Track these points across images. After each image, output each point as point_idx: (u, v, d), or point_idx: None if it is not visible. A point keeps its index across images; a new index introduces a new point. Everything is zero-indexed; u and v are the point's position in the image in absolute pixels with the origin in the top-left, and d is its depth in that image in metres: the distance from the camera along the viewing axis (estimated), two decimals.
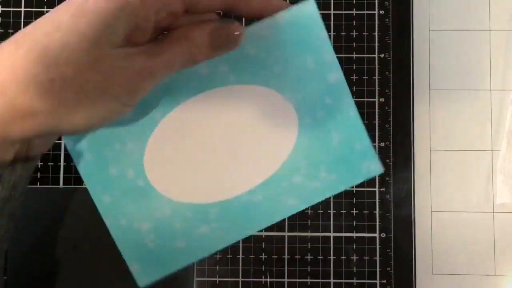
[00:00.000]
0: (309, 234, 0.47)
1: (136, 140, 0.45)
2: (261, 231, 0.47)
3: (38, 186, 0.48)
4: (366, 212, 0.47)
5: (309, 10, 0.44)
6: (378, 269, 0.47)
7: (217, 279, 0.47)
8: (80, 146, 0.45)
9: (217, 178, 0.46)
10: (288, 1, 0.44)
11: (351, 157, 0.45)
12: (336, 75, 0.45)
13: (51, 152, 0.48)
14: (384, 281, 0.47)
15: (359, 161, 0.45)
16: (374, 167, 0.45)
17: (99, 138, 0.45)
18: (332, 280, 0.47)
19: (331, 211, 0.48)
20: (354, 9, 0.49)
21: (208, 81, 0.45)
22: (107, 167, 0.45)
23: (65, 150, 0.48)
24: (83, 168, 0.45)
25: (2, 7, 0.49)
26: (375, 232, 0.47)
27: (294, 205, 0.46)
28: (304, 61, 0.45)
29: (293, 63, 0.45)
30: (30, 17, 0.49)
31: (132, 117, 0.45)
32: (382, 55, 0.48)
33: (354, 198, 0.47)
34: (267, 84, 0.45)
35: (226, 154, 0.46)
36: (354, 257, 0.47)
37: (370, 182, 0.49)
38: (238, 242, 0.47)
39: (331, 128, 0.45)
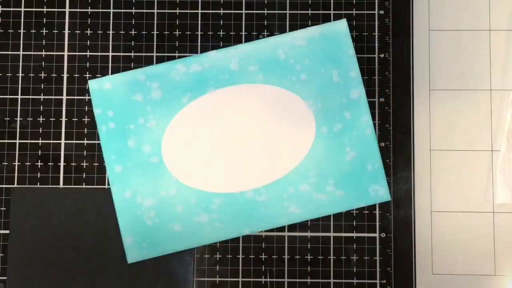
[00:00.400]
0: (309, 234, 0.47)
1: (159, 119, 0.47)
2: (261, 231, 0.47)
3: (38, 186, 0.48)
4: (366, 212, 0.47)
5: (341, 28, 0.48)
6: (378, 269, 0.47)
7: (217, 279, 0.47)
8: (105, 113, 0.47)
9: (227, 170, 0.47)
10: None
11: (361, 177, 0.46)
12: (359, 92, 0.47)
13: (51, 152, 0.48)
14: (384, 281, 0.47)
15: (368, 182, 0.47)
16: (382, 193, 0.47)
17: (125, 110, 0.47)
18: (332, 280, 0.47)
19: None
20: (354, 9, 0.49)
21: (238, 76, 0.47)
22: (127, 138, 0.47)
23: (65, 150, 0.48)
24: (104, 135, 0.47)
25: (2, 7, 0.49)
26: (375, 232, 0.47)
27: (297, 213, 0.47)
28: (330, 73, 0.47)
29: (319, 74, 0.47)
30: (30, 17, 0.49)
31: (161, 96, 0.47)
32: (382, 55, 0.48)
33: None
34: (292, 89, 0.47)
35: (241, 149, 0.47)
36: (354, 257, 0.47)
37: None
38: (238, 242, 0.47)
39: (346, 142, 0.47)
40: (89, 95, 0.48)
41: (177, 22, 0.49)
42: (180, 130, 0.47)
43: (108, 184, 0.47)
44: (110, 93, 0.47)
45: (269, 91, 0.47)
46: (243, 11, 0.49)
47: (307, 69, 0.47)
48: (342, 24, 0.48)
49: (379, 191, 0.46)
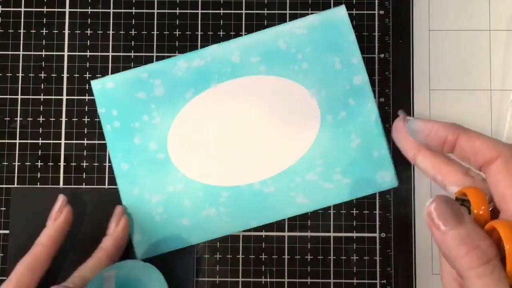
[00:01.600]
0: (309, 234, 0.47)
1: (164, 115, 0.47)
2: (261, 231, 0.47)
3: (38, 186, 0.48)
4: (366, 212, 0.47)
5: (341, 15, 0.48)
6: (378, 269, 0.47)
7: (217, 279, 0.47)
8: (110, 112, 0.47)
9: (234, 163, 0.47)
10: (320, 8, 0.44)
11: (367, 164, 0.46)
12: (362, 78, 0.47)
13: (51, 152, 0.48)
14: (384, 281, 0.47)
15: (375, 169, 0.46)
16: (389, 179, 0.46)
17: (129, 108, 0.47)
18: (332, 280, 0.47)
19: (331, 211, 0.48)
20: (354, 9, 0.49)
21: (240, 68, 0.47)
22: (133, 136, 0.47)
23: (65, 150, 0.48)
24: (110, 134, 0.47)
25: (2, 7, 0.49)
26: (375, 232, 0.47)
27: (305, 204, 0.47)
28: (332, 61, 0.47)
29: (321, 62, 0.47)
30: (30, 17, 0.49)
31: (164, 93, 0.47)
32: (382, 55, 0.48)
33: (354, 198, 0.47)
34: (294, 78, 0.47)
35: (246, 141, 0.47)
36: (354, 257, 0.47)
37: None
38: (238, 242, 0.47)
39: (351, 130, 0.47)
40: (89, 95, 0.48)
41: (177, 22, 0.49)
42: (185, 125, 0.47)
43: (109, 184, 0.47)
44: (113, 92, 0.47)
45: (272, 82, 0.47)
46: (243, 11, 0.49)
47: (309, 57, 0.47)
48: (342, 10, 0.48)
49: (385, 177, 0.46)
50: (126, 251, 0.46)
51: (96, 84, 0.48)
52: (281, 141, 0.47)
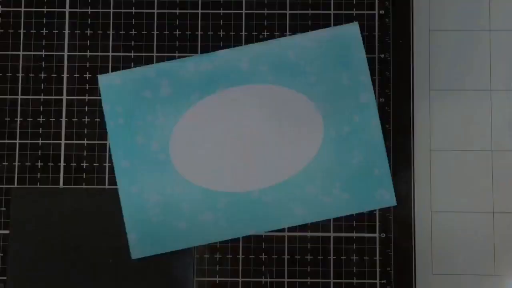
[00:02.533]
0: (309, 234, 0.47)
1: (168, 116, 0.48)
2: (265, 231, 0.47)
3: (38, 186, 0.48)
4: (366, 212, 0.47)
5: (353, 32, 0.48)
6: (378, 269, 0.47)
7: (217, 279, 0.47)
8: (114, 109, 0.47)
9: (234, 169, 0.47)
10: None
11: (368, 181, 0.47)
12: (368, 96, 0.47)
13: (51, 152, 0.48)
14: (384, 281, 0.47)
15: (374, 186, 0.47)
16: (387, 198, 0.47)
17: (134, 106, 0.47)
18: (332, 280, 0.47)
19: None
20: (354, 9, 0.49)
21: (248, 76, 0.47)
22: (135, 135, 0.47)
23: (65, 150, 0.48)
24: (112, 130, 0.47)
25: (2, 7, 0.49)
26: (375, 232, 0.47)
27: (303, 215, 0.47)
28: (339, 76, 0.47)
29: (329, 76, 0.48)
30: (30, 17, 0.49)
31: (170, 94, 0.47)
32: (382, 55, 0.48)
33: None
34: (301, 90, 0.47)
35: (248, 149, 0.47)
36: (354, 257, 0.47)
37: None
38: (238, 242, 0.47)
39: (354, 146, 0.47)
40: (89, 95, 0.48)
41: (177, 22, 0.49)
42: (188, 128, 0.47)
43: (108, 184, 0.47)
44: (119, 89, 0.47)
45: (278, 92, 0.47)
46: (243, 11, 0.49)
47: (317, 71, 0.47)
48: (354, 27, 0.48)
49: (385, 196, 0.47)
50: (122, 250, 0.46)
51: (103, 79, 0.48)
52: (282, 152, 0.47)
